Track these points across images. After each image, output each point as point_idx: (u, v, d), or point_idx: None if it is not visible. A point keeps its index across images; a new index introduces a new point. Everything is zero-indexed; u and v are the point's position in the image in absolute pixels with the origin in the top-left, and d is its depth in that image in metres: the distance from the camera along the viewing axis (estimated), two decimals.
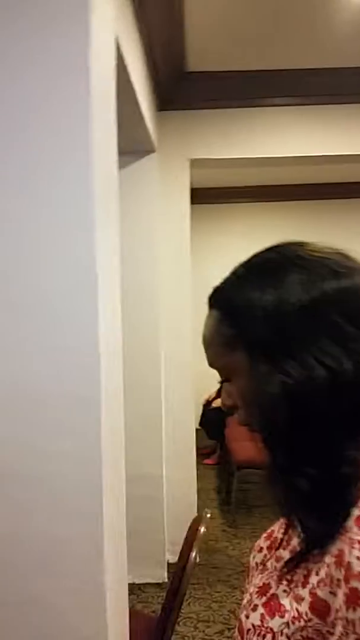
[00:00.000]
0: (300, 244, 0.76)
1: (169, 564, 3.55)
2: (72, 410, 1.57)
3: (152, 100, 3.39)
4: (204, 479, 5.12)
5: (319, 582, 0.66)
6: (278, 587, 0.72)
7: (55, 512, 1.57)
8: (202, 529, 2.08)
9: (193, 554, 2.00)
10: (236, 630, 0.76)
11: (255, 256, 0.78)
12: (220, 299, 0.78)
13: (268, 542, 0.84)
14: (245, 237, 6.83)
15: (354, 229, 6.83)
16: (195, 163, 3.89)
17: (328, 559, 0.66)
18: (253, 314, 0.72)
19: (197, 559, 2.05)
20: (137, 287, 3.44)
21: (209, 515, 2.21)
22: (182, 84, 3.67)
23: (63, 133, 1.58)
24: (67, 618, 1.56)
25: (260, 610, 0.71)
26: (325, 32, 3.20)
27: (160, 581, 3.54)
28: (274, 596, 0.71)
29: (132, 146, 3.28)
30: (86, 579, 1.57)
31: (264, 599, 0.73)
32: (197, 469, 4.06)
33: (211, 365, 0.80)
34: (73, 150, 1.57)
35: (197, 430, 4.43)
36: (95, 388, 1.57)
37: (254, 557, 0.85)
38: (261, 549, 0.85)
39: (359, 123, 3.79)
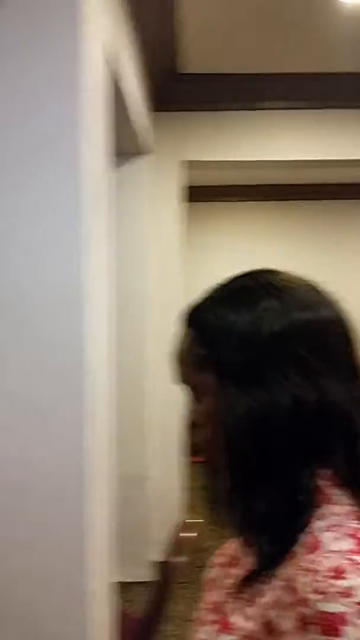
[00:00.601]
0: (273, 273, 0.78)
1: (154, 563, 3.57)
2: (58, 414, 1.59)
3: (146, 101, 3.39)
4: (195, 477, 5.13)
5: (268, 603, 0.68)
6: (228, 604, 0.74)
7: (38, 518, 1.58)
8: (191, 534, 2.09)
9: (180, 558, 2.01)
10: None
11: (232, 280, 0.80)
12: (195, 318, 0.79)
13: (222, 559, 0.86)
14: (244, 236, 6.86)
15: (351, 230, 6.87)
16: (188, 164, 3.90)
17: (277, 582, 0.68)
18: (227, 337, 0.74)
19: (184, 560, 2.07)
20: (127, 287, 3.45)
21: (198, 521, 2.23)
22: (177, 86, 3.67)
23: (54, 139, 1.59)
24: (49, 623, 1.58)
25: (210, 626, 0.74)
26: (321, 37, 3.21)
27: (146, 580, 3.56)
28: (224, 613, 0.73)
29: (126, 147, 3.28)
30: (70, 583, 1.58)
31: (214, 615, 0.75)
32: (189, 467, 4.06)
33: (180, 382, 0.82)
34: (62, 155, 1.59)
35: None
36: (81, 394, 1.59)
37: (208, 573, 0.87)
38: (215, 565, 0.87)
39: (352, 128, 3.81)
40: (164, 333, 3.78)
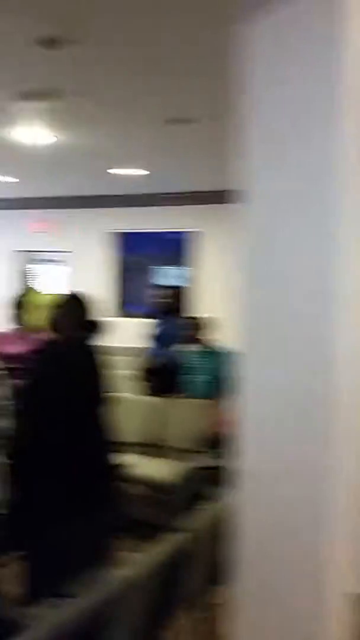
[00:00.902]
0: None
1: None
2: (308, 414, 1.58)
3: None
4: None
5: None
6: None
7: (283, 510, 1.60)
8: None
9: None
10: None
11: None
12: None
13: None
14: None
15: None
16: None
17: None
18: None
19: None
20: None
21: None
22: None
23: (314, 132, 1.59)
24: (292, 622, 1.59)
25: None
26: None
27: None
28: None
29: None
30: (311, 587, 1.57)
31: None
32: None
33: None
34: (318, 150, 1.58)
35: None
36: (330, 394, 1.56)
37: None
38: None
39: None
40: None
